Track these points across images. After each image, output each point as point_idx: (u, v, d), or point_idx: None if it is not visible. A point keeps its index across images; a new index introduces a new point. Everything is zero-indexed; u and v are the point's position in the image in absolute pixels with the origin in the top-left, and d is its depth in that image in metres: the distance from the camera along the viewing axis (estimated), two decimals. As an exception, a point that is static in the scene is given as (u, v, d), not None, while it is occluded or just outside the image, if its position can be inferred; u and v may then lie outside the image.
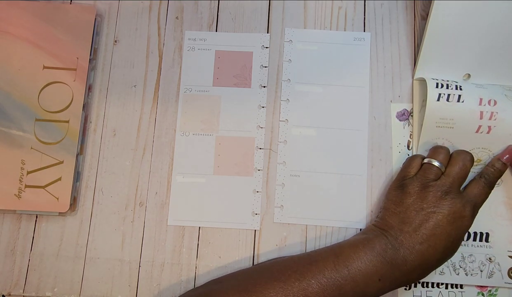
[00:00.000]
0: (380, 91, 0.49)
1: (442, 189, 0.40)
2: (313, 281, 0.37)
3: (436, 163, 0.42)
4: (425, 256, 0.38)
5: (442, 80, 0.46)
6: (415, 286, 0.44)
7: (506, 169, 0.44)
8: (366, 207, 0.46)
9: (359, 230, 0.45)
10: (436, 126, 0.44)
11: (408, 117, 0.48)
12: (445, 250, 0.39)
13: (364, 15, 0.50)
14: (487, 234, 0.45)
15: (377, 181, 0.46)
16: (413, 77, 0.48)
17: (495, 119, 0.43)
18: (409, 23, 0.50)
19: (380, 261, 0.38)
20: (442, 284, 0.44)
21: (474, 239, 0.45)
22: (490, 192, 0.42)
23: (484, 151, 0.45)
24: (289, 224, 0.46)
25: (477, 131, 0.44)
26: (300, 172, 0.47)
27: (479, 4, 0.43)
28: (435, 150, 0.43)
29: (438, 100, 0.44)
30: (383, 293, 0.39)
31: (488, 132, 0.44)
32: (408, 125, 0.47)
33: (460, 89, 0.44)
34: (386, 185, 0.46)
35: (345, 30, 0.50)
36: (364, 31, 0.50)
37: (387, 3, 0.51)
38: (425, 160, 0.43)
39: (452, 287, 0.44)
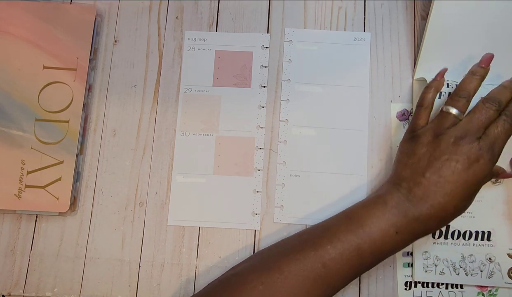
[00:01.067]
0: (380, 91, 0.49)
1: (456, 135, 0.38)
2: (329, 247, 0.36)
3: (453, 111, 0.39)
4: (441, 205, 0.37)
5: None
6: (415, 286, 0.44)
7: None
8: (366, 207, 0.46)
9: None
10: None
11: (408, 117, 0.48)
12: (462, 197, 0.38)
13: (364, 15, 0.50)
14: (489, 232, 0.45)
15: (377, 181, 0.46)
16: (413, 77, 0.48)
17: None
18: (409, 23, 0.50)
19: (395, 214, 0.37)
20: (442, 284, 0.44)
21: (476, 238, 0.45)
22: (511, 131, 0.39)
23: None
24: (289, 224, 0.46)
25: None
26: (300, 172, 0.47)
27: (479, 4, 0.43)
28: (454, 96, 0.40)
29: (440, 98, 0.44)
30: (403, 246, 0.38)
31: None
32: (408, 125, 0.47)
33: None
34: (386, 185, 0.46)
35: (345, 30, 0.50)
36: (364, 31, 0.50)
37: (387, 3, 0.51)
38: (443, 108, 0.40)
39: (452, 287, 0.44)
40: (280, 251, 0.39)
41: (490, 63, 0.41)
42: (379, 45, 0.50)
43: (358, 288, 0.44)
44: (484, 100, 0.40)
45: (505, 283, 0.44)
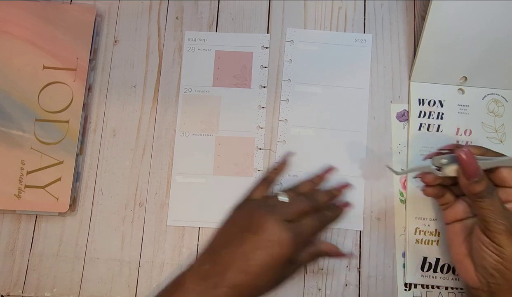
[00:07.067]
0: (380, 92, 0.48)
1: (271, 214, 0.38)
2: None
3: (284, 199, 0.41)
4: (235, 285, 0.36)
5: (429, 100, 0.47)
6: (415, 287, 0.44)
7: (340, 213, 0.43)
8: (365, 209, 0.46)
9: (358, 232, 0.45)
10: (420, 154, 0.46)
11: (408, 118, 0.48)
12: (261, 277, 0.37)
13: (364, 15, 0.50)
14: None
15: (376, 182, 0.46)
16: (409, 79, 0.48)
17: None
18: (409, 23, 0.50)
19: (196, 282, 0.37)
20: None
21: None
22: (321, 229, 0.42)
23: None
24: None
25: None
26: (299, 172, 0.47)
27: (478, 5, 0.43)
28: (291, 190, 0.43)
29: (420, 129, 0.46)
30: None
31: None
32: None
33: (441, 118, 0.47)
34: (385, 186, 0.46)
35: (345, 31, 0.50)
36: (364, 31, 0.50)
37: (387, 3, 0.51)
38: (276, 192, 0.43)
39: (452, 288, 0.44)
40: None
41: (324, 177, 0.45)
42: (379, 45, 0.49)
43: (358, 289, 0.44)
44: (304, 195, 0.42)
45: None
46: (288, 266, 0.39)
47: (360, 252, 0.45)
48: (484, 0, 0.43)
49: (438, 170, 0.38)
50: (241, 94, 0.49)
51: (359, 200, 0.46)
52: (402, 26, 0.50)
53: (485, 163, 0.36)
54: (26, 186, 0.45)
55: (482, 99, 0.48)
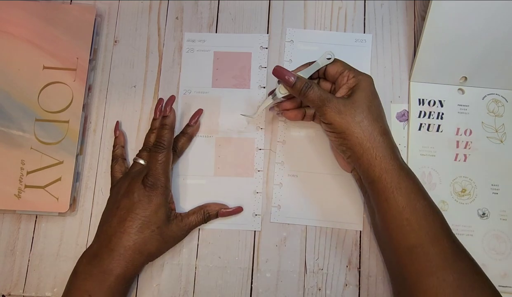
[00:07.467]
0: (380, 92, 0.48)
1: (133, 177, 0.42)
2: None
3: (140, 161, 0.44)
4: (120, 244, 0.39)
5: (429, 100, 0.47)
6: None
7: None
8: (364, 209, 0.46)
9: (358, 232, 0.45)
10: (420, 154, 0.46)
11: (408, 117, 0.48)
12: (140, 233, 0.40)
13: (364, 15, 0.50)
14: None
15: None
16: (409, 79, 0.48)
17: (469, 148, 0.46)
18: (409, 23, 0.50)
19: (84, 279, 0.40)
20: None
21: None
22: (169, 147, 0.43)
23: (466, 180, 0.46)
24: (289, 224, 0.46)
25: (455, 159, 0.46)
26: (298, 172, 0.47)
27: (478, 4, 0.43)
28: (141, 150, 0.45)
29: (420, 129, 0.47)
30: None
31: (464, 160, 0.46)
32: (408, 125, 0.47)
33: (441, 118, 0.47)
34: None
35: (345, 31, 0.50)
36: (364, 31, 0.50)
37: (387, 3, 0.50)
38: (134, 158, 0.44)
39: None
40: None
41: (158, 113, 0.45)
42: (379, 45, 0.49)
43: (358, 289, 0.44)
44: (149, 147, 0.44)
45: None
46: (169, 217, 0.42)
47: (360, 252, 0.45)
48: (484, 0, 0.43)
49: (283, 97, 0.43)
50: (240, 95, 0.49)
51: (359, 200, 0.46)
52: (402, 26, 0.50)
53: (307, 72, 0.42)
54: (26, 186, 0.45)
55: (482, 99, 0.48)
